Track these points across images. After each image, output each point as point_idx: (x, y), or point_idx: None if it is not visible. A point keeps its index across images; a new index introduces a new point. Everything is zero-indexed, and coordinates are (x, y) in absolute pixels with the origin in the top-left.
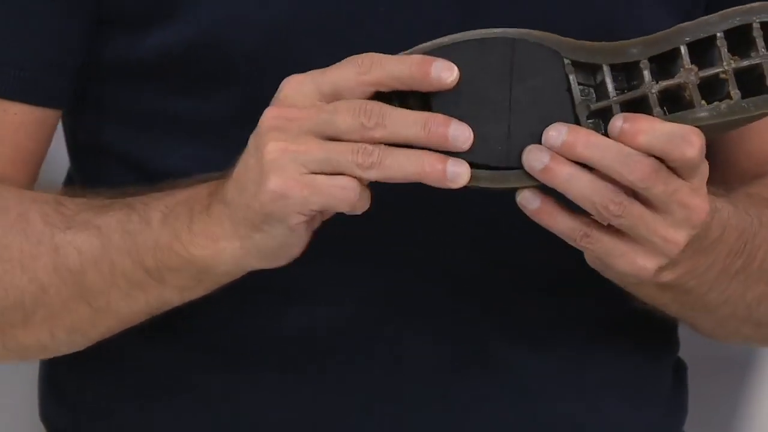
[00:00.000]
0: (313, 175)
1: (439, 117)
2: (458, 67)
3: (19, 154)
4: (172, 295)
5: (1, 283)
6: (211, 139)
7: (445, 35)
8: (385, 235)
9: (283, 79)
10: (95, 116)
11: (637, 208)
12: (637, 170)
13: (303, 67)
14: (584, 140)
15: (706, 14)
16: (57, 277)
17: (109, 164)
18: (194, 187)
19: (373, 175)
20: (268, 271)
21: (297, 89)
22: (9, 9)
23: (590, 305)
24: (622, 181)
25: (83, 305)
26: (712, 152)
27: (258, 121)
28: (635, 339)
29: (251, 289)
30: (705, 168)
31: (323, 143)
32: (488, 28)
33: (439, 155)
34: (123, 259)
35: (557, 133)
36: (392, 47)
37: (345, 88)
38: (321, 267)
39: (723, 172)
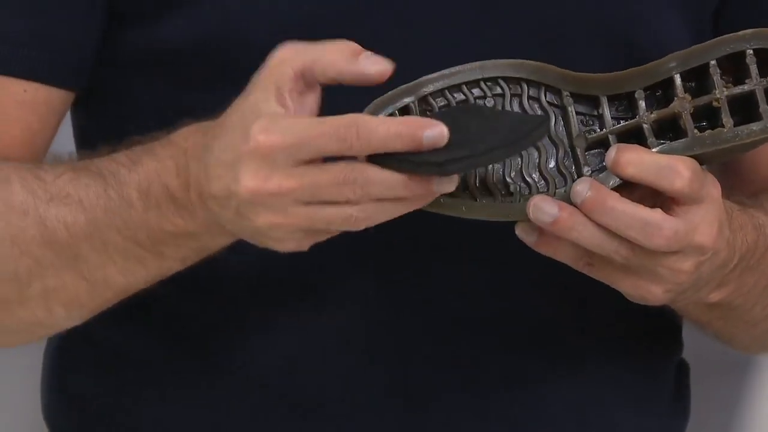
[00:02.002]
0: (309, 233)
1: (416, 177)
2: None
3: (26, 133)
4: (173, 264)
5: None
6: None
7: (456, 33)
8: (408, 256)
9: None
10: (105, 109)
11: (646, 251)
12: (655, 239)
13: None
14: (602, 206)
15: (714, 23)
16: (49, 251)
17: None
18: (157, 157)
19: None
20: (285, 277)
21: (276, 144)
22: None
23: (597, 308)
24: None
25: (79, 279)
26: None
27: None
28: (640, 341)
29: (262, 292)
30: (709, 191)
31: (312, 212)
32: (504, 31)
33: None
34: (114, 236)
35: (581, 189)
36: (404, 43)
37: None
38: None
39: (739, 179)
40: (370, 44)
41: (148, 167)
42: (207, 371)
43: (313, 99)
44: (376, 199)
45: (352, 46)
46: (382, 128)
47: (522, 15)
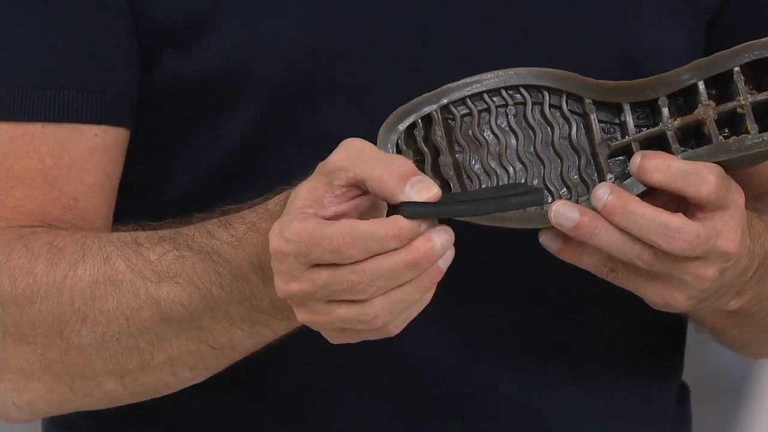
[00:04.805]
0: (344, 330)
1: (420, 258)
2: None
3: (102, 178)
4: (299, 323)
5: (109, 333)
6: (225, 166)
7: (461, 56)
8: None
9: (299, 104)
10: None
11: (670, 257)
12: (676, 243)
13: (319, 94)
14: (622, 209)
15: (708, 34)
16: (168, 326)
17: (123, 191)
18: (260, 230)
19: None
20: None
21: (283, 250)
22: (85, 29)
23: (600, 329)
24: (660, 249)
25: (204, 346)
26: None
27: (272, 148)
28: (641, 363)
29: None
30: (734, 198)
31: (330, 309)
32: (504, 49)
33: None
34: (237, 308)
35: (601, 194)
36: (411, 72)
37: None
38: None
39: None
40: (376, 74)
41: (254, 242)
42: (221, 415)
43: (367, 201)
44: (387, 289)
45: (404, 168)
46: (374, 240)
47: (527, 40)
